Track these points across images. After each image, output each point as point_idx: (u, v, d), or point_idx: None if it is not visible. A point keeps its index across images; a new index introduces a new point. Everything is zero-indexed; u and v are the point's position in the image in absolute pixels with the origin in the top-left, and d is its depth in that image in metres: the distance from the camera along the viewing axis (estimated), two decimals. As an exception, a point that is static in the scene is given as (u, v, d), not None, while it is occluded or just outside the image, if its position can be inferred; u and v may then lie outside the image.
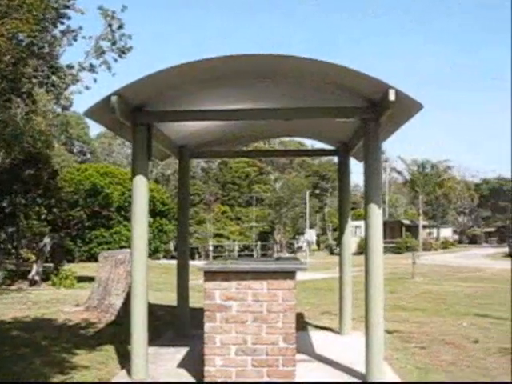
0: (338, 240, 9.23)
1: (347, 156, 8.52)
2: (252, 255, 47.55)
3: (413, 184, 60.40)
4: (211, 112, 6.41)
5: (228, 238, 52.04)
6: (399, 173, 67.39)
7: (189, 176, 9.25)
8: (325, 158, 58.61)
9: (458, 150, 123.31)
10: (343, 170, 8.73)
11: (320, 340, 8.08)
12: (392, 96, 5.08)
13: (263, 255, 46.50)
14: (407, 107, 5.38)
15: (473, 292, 15.55)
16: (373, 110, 5.74)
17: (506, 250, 44.32)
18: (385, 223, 54.58)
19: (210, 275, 5.53)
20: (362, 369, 5.95)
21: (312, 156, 50.48)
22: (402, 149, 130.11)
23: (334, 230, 55.29)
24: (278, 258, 8.31)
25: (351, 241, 9.13)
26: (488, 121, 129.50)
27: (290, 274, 5.45)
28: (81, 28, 14.42)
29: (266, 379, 5.41)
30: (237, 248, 50.25)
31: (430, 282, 18.86)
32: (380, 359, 5.80)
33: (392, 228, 53.91)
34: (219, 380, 5.45)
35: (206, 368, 5.50)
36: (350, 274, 8.70)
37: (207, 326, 5.50)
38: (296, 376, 5.48)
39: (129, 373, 6.02)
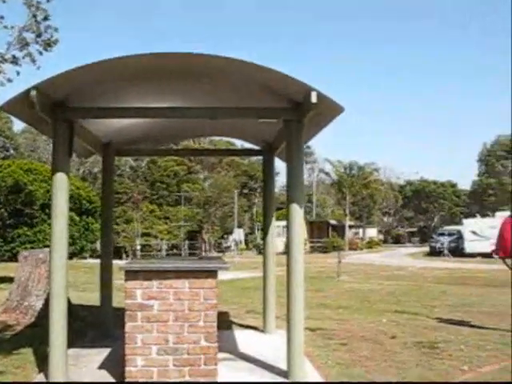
0: (263, 239, 9.33)
1: (272, 156, 8.62)
2: (180, 254, 47.23)
3: (340, 185, 61.73)
4: (135, 109, 6.33)
5: (156, 237, 51.44)
6: (327, 174, 68.88)
7: (114, 174, 9.12)
8: (254, 158, 58.97)
9: (383, 152, 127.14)
10: (268, 170, 8.83)
11: (244, 339, 8.14)
12: (314, 98, 5.19)
13: (191, 254, 46.28)
14: (329, 109, 5.51)
15: (394, 290, 16.08)
16: (296, 112, 5.84)
17: (427, 249, 46.09)
18: (312, 223, 55.93)
19: (131, 274, 5.48)
20: (284, 366, 6.05)
21: (239, 155, 50.60)
22: (333, 151, 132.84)
23: (263, 229, 55.62)
24: (201, 258, 8.33)
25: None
26: (412, 125, 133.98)
27: (211, 273, 5.48)
28: (2, 17, 13.87)
29: (187, 379, 5.40)
30: (165, 247, 49.78)
31: (354, 281, 19.34)
32: (301, 356, 5.91)
33: (319, 228, 54.90)
34: (140, 380, 5.41)
35: (127, 368, 5.44)
36: (274, 273, 8.81)
37: (128, 325, 5.45)
38: (218, 375, 5.51)
39: (47, 376, 5.87)
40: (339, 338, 8.36)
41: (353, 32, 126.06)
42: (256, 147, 9.17)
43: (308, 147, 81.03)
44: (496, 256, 9.60)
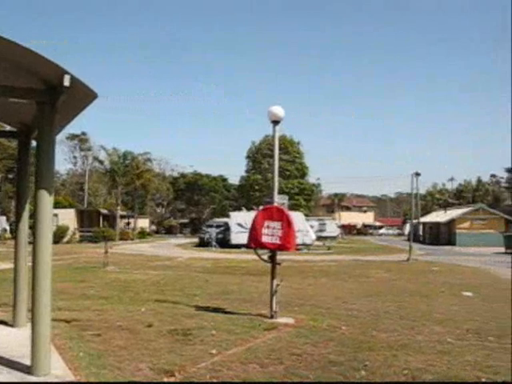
0: (15, 227, 8.72)
1: (29, 139, 8.10)
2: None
3: (113, 174, 60.60)
4: None
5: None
6: (101, 162, 67.15)
7: None
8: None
9: (159, 144, 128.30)
10: (23, 154, 8.26)
11: (-11, 334, 7.57)
12: (67, 81, 5.00)
13: None
14: (83, 95, 5.35)
15: (160, 280, 16.29)
16: (49, 94, 5.55)
17: (197, 240, 47.54)
18: (82, 212, 54.03)
19: None
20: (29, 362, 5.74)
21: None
22: (113, 140, 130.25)
23: (31, 217, 52.30)
24: None
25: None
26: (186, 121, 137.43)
27: None
28: None
29: None
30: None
31: (121, 271, 19.17)
32: (46, 350, 5.66)
33: (90, 217, 53.31)
34: None
35: None
36: (27, 263, 8.29)
37: None
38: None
39: None
40: (95, 329, 8.20)
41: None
42: (12, 129, 8.53)
43: (84, 134, 78.24)
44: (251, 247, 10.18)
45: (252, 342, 7.53)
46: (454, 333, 8.67)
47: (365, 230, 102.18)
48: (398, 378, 6.12)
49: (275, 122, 9.89)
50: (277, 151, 10.10)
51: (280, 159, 64.69)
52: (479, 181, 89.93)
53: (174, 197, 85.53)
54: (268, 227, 9.46)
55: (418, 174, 33.11)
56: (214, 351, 6.96)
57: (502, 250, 40.33)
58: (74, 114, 6.05)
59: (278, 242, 9.44)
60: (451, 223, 54.67)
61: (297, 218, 38.54)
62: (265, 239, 9.48)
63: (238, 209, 54.65)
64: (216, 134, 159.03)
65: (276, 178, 10.05)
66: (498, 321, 9.88)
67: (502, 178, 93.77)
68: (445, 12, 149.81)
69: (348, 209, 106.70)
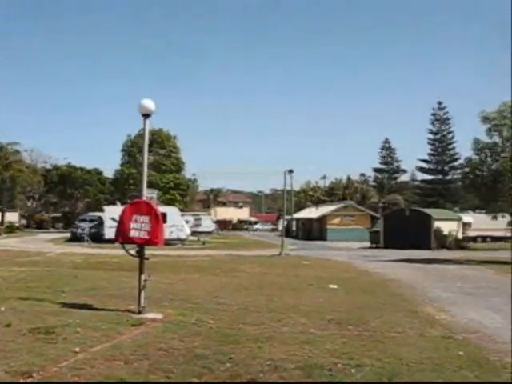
0: None
1: None
2: None
3: (-23, 164, 56.85)
4: None
5: None
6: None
7: None
8: None
9: (33, 134, 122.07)
10: None
11: None
12: None
13: None
14: None
15: (26, 276, 15.53)
16: None
17: (69, 234, 45.84)
18: None
19: None
20: None
21: None
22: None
23: None
24: None
25: None
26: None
27: None
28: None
29: None
30: None
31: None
32: None
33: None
34: None
35: None
36: None
37: None
38: None
39: None
40: None
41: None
42: None
43: None
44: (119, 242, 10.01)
45: (118, 339, 7.42)
46: (318, 324, 9.09)
47: (240, 225, 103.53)
48: (261, 368, 6.32)
49: (146, 116, 9.79)
50: (146, 145, 10.06)
51: (156, 153, 64.33)
52: (349, 179, 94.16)
53: (46, 190, 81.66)
54: (136, 221, 9.35)
55: (290, 171, 34.03)
56: (77, 349, 6.78)
57: (368, 244, 42.75)
58: None
59: (146, 236, 9.36)
60: (322, 219, 57.02)
61: (172, 212, 38.45)
62: (133, 234, 9.37)
63: (113, 203, 53.26)
64: (91, 125, 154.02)
65: (145, 172, 9.98)
66: (358, 311, 10.51)
67: (370, 176, 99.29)
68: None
69: (224, 204, 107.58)
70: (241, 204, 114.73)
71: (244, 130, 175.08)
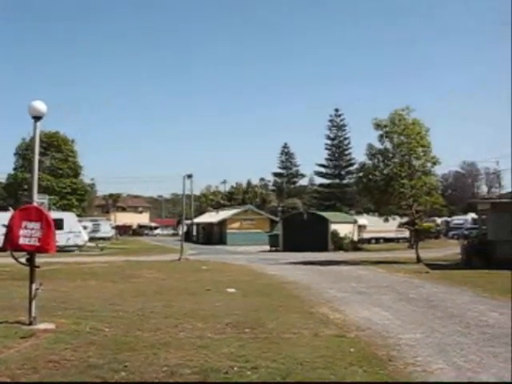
0: None
1: None
2: None
3: None
4: None
5: None
6: None
7: None
8: None
9: None
10: None
11: None
12: None
13: None
14: None
15: None
16: None
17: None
18: None
19: None
20: None
21: None
22: None
23: None
24: None
25: None
26: None
27: None
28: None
29: None
30: None
31: None
32: None
33: None
34: None
35: None
36: None
37: None
38: None
39: None
40: None
41: None
42: None
43: None
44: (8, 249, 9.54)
45: (4, 353, 7.06)
46: (215, 328, 9.12)
47: (140, 230, 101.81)
48: (157, 375, 6.25)
49: (37, 118, 9.40)
50: (37, 148, 9.72)
51: (52, 157, 61.76)
52: (249, 183, 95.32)
53: None
54: (26, 228, 8.93)
55: (190, 176, 34.09)
56: (-42, 366, 6.38)
57: (267, 248, 43.40)
58: None
59: (36, 243, 8.95)
60: (223, 223, 57.26)
61: (69, 218, 37.20)
62: (22, 241, 8.92)
63: (5, 209, 50.69)
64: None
65: (35, 177, 9.59)
66: (255, 313, 10.65)
67: (270, 181, 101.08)
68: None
69: (124, 209, 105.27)
70: (140, 209, 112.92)
71: (143, 134, 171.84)
